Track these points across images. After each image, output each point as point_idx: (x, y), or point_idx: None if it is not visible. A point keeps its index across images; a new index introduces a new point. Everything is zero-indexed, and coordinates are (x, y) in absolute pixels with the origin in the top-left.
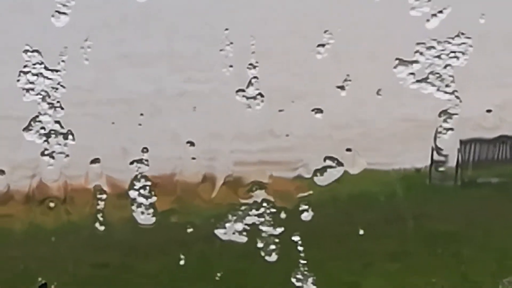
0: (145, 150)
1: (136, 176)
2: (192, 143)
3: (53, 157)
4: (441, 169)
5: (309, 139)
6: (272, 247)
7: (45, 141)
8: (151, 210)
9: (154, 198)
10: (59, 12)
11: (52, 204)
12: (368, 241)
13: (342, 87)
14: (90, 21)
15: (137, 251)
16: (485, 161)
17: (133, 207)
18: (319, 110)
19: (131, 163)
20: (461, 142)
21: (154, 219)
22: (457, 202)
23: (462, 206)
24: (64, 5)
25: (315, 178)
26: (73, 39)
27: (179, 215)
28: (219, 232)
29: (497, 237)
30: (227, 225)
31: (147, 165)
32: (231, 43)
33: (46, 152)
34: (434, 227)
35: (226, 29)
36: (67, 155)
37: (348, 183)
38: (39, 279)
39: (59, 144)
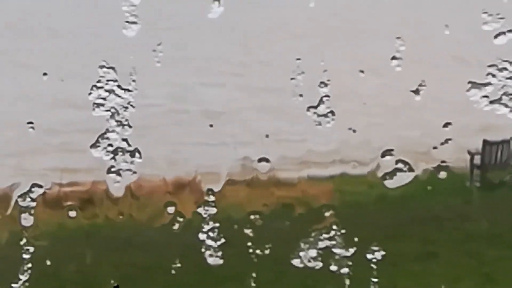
0: (210, 192)
1: (205, 218)
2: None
3: (119, 174)
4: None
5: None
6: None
7: (112, 158)
8: (220, 253)
9: (223, 240)
10: (129, 22)
11: None
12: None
13: (416, 91)
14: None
15: None
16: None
17: (202, 249)
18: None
19: (199, 206)
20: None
21: (222, 261)
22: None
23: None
24: (132, 15)
25: (385, 182)
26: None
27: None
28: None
29: None
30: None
31: (215, 207)
32: (302, 72)
33: (112, 169)
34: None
35: (298, 59)
36: (134, 172)
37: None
38: (112, 281)
39: (126, 162)
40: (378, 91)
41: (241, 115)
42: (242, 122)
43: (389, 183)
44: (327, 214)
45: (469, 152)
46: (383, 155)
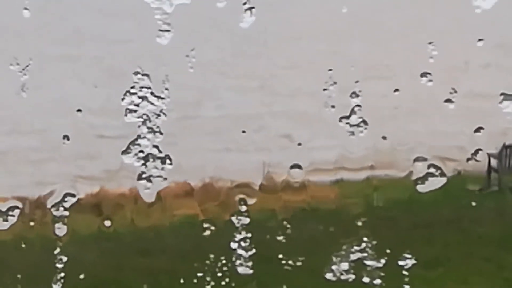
0: (242, 202)
1: (237, 228)
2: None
3: (150, 181)
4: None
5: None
6: None
7: (143, 164)
8: (250, 263)
9: (253, 251)
10: (162, 30)
11: None
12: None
13: (449, 100)
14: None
15: None
16: None
17: (233, 258)
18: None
19: (232, 215)
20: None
21: (251, 271)
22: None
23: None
24: (165, 23)
25: (418, 186)
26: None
27: None
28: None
29: None
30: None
31: (248, 217)
32: (335, 82)
33: (143, 176)
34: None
35: (330, 70)
36: (165, 178)
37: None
38: (144, 286)
39: (157, 168)
40: (410, 99)
41: (271, 122)
42: (272, 129)
43: (421, 188)
44: (359, 223)
45: (488, 155)
46: (414, 161)
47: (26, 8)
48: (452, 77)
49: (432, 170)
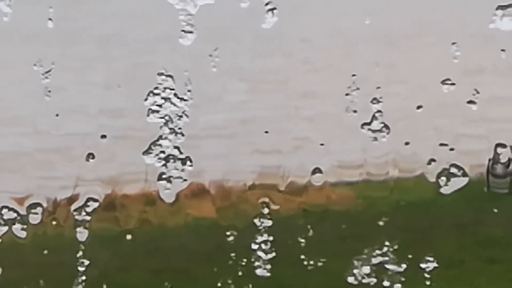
0: (264, 205)
1: (260, 230)
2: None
3: (170, 181)
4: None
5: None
6: None
7: (163, 165)
8: (268, 266)
9: (273, 254)
10: (185, 31)
11: None
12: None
13: (472, 102)
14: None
15: None
16: None
17: (252, 259)
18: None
19: (255, 217)
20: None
21: (269, 274)
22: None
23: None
24: (188, 24)
25: (441, 189)
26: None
27: None
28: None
29: None
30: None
31: (270, 219)
32: (358, 88)
33: (163, 176)
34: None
35: (353, 75)
36: (185, 180)
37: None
38: (165, 283)
39: (177, 169)
40: (432, 101)
41: (292, 124)
42: (292, 131)
43: (444, 190)
44: (380, 222)
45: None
46: (434, 162)
47: (50, 19)
48: (474, 80)
49: (454, 170)
